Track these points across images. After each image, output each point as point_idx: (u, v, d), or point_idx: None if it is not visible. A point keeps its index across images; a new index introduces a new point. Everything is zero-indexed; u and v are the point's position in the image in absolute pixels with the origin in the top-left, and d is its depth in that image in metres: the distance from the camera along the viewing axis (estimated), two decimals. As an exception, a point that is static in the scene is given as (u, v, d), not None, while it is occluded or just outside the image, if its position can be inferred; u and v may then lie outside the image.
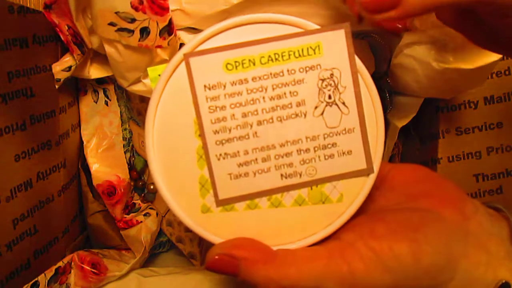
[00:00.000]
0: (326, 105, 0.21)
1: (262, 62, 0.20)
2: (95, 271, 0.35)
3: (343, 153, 0.21)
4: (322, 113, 0.21)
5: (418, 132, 0.40)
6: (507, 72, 0.35)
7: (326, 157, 0.21)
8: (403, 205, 0.22)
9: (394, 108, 0.39)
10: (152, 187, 0.42)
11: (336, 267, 0.19)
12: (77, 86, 0.38)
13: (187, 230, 0.40)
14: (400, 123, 0.37)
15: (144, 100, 0.38)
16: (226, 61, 0.20)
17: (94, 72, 0.35)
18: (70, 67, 0.33)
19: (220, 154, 0.21)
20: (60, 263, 0.33)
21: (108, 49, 0.30)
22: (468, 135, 0.37)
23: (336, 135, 0.21)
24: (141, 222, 0.39)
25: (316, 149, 0.21)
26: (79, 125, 0.38)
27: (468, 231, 0.20)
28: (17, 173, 0.29)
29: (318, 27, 0.21)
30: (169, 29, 0.29)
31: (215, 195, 0.21)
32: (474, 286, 0.20)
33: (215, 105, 0.21)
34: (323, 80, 0.21)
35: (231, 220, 0.21)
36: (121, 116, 0.40)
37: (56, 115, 0.33)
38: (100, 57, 0.34)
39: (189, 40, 0.23)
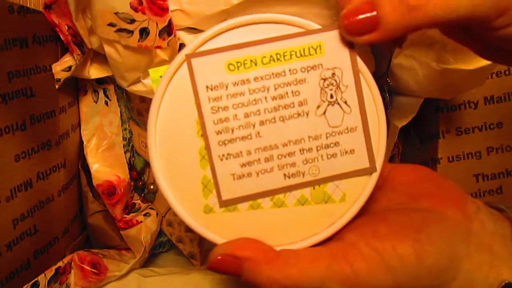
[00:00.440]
0: (328, 105, 0.21)
1: (264, 62, 0.20)
2: (95, 271, 0.35)
3: (346, 152, 0.21)
4: (324, 113, 0.21)
5: (418, 132, 0.40)
6: (507, 72, 0.35)
7: (329, 156, 0.21)
8: (405, 205, 0.22)
9: (394, 108, 0.39)
10: (152, 187, 0.42)
11: (339, 268, 0.19)
12: (77, 86, 0.38)
13: (187, 230, 0.40)
14: (400, 123, 0.37)
15: (144, 100, 0.38)
16: (228, 61, 0.20)
17: (94, 72, 0.35)
18: (70, 67, 0.33)
19: (223, 155, 0.21)
20: (60, 263, 0.33)
21: (108, 49, 0.30)
22: (468, 135, 0.37)
23: (339, 134, 0.21)
24: (141, 222, 0.39)
25: (318, 148, 0.21)
26: (79, 125, 0.38)
27: (470, 231, 0.21)
28: (17, 173, 0.29)
29: (320, 26, 0.21)
30: (168, 30, 0.29)
31: (218, 195, 0.21)
32: (477, 287, 0.20)
33: (217, 105, 0.21)
34: (324, 79, 0.21)
35: (234, 220, 0.21)
36: (121, 116, 0.40)
37: (56, 115, 0.33)
38: (100, 57, 0.34)
39: (190, 41, 0.23)
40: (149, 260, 0.41)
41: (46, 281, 0.32)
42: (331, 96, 0.21)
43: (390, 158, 0.40)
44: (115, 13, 0.27)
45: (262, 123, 0.21)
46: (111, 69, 0.32)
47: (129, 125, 0.40)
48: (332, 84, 0.21)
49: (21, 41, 0.29)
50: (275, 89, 0.21)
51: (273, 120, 0.21)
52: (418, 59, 0.34)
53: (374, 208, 0.23)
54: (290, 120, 0.21)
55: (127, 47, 0.29)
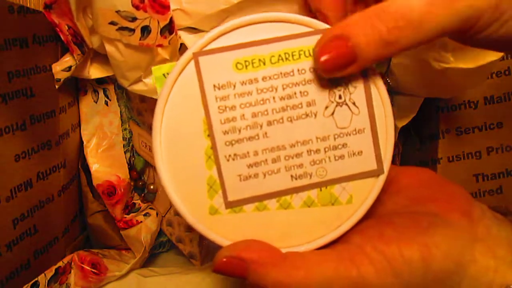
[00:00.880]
0: (337, 105, 0.21)
1: (272, 62, 0.20)
2: (95, 271, 0.35)
3: (354, 153, 0.21)
4: (332, 113, 0.21)
5: (418, 132, 0.40)
6: (507, 72, 0.36)
7: (337, 158, 0.21)
8: (411, 209, 0.22)
9: (394, 108, 0.39)
10: (152, 187, 0.42)
11: (346, 271, 0.19)
12: (77, 86, 0.38)
13: (187, 230, 0.40)
14: (400, 123, 0.37)
15: (144, 100, 0.38)
16: (236, 60, 0.20)
17: (94, 72, 0.35)
18: (70, 67, 0.33)
19: (230, 155, 0.21)
20: (60, 263, 0.33)
21: (109, 48, 0.30)
22: (468, 135, 0.37)
23: (347, 135, 0.21)
24: (141, 222, 0.38)
25: (326, 149, 0.21)
26: (79, 125, 0.38)
27: (476, 236, 0.20)
28: (17, 173, 0.29)
29: (329, 26, 0.20)
30: (170, 28, 0.29)
31: (224, 196, 0.21)
32: None
33: (224, 105, 0.20)
34: (333, 80, 0.21)
35: (240, 221, 0.21)
36: (121, 116, 0.40)
37: (56, 115, 0.33)
38: (100, 57, 0.34)
39: (196, 40, 0.22)
40: (149, 260, 0.41)
41: (46, 281, 0.31)
42: (340, 97, 0.21)
43: (390, 158, 0.40)
44: (117, 11, 0.27)
45: (269, 123, 0.21)
46: (112, 69, 0.32)
47: (129, 125, 0.40)
48: (341, 85, 0.21)
49: (21, 41, 0.29)
50: (283, 89, 0.20)
51: (281, 121, 0.21)
52: (418, 58, 0.34)
53: (380, 211, 0.23)
54: (298, 120, 0.21)
55: (128, 45, 0.29)
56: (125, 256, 0.39)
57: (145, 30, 0.28)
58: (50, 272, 0.32)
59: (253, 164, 0.21)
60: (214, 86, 0.20)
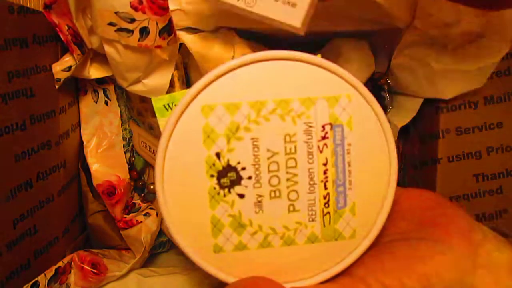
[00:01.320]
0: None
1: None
2: (95, 271, 0.35)
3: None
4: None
5: (418, 132, 0.40)
6: (507, 72, 0.35)
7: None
8: (411, 235, 0.22)
9: (394, 108, 0.39)
10: (152, 187, 0.42)
11: None
12: (77, 86, 0.38)
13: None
14: (400, 123, 0.37)
15: (144, 100, 0.38)
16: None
17: (94, 72, 0.35)
18: (70, 67, 0.33)
19: None
20: (60, 263, 0.33)
21: (108, 49, 0.30)
22: (468, 135, 0.37)
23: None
24: (141, 222, 0.38)
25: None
26: (79, 125, 0.38)
27: (476, 262, 0.21)
28: (17, 173, 0.29)
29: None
30: (168, 29, 0.29)
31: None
32: None
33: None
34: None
35: (244, 259, 0.21)
36: (121, 116, 0.40)
37: (56, 115, 0.33)
38: (100, 57, 0.34)
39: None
40: (149, 260, 0.41)
41: (46, 281, 0.31)
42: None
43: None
44: (115, 13, 0.27)
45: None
46: (111, 69, 0.32)
47: (129, 125, 0.40)
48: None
49: (21, 41, 0.29)
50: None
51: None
52: (418, 59, 0.34)
53: (382, 237, 0.23)
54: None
55: (127, 46, 0.29)
56: (125, 256, 0.39)
57: (144, 31, 0.28)
58: (50, 272, 0.32)
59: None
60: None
